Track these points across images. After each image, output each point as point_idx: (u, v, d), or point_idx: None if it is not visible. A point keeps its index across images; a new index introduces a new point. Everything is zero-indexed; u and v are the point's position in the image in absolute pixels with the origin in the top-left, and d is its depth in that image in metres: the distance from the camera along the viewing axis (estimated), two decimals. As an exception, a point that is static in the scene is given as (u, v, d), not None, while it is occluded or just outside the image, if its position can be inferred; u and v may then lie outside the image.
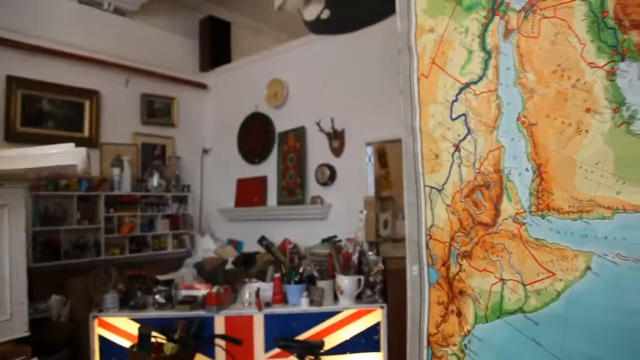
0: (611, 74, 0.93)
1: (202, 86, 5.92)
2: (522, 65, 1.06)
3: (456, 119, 1.16)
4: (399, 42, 1.33)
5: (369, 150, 4.30)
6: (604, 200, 0.92)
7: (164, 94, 5.49)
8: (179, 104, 5.63)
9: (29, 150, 1.71)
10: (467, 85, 1.14)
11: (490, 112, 1.10)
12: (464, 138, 1.15)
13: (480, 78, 1.12)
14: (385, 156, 4.41)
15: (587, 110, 0.96)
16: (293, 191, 4.78)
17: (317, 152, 4.65)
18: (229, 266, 4.51)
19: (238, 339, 2.62)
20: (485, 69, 1.12)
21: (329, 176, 4.45)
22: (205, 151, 5.84)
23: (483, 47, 1.12)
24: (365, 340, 2.78)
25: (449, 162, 1.18)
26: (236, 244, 5.22)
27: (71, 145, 2.01)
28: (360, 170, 4.29)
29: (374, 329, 2.79)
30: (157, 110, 5.42)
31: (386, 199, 4.33)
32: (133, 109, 5.21)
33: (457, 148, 1.16)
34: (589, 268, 0.93)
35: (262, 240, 3.37)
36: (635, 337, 0.86)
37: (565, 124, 0.99)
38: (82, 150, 1.98)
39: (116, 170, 4.75)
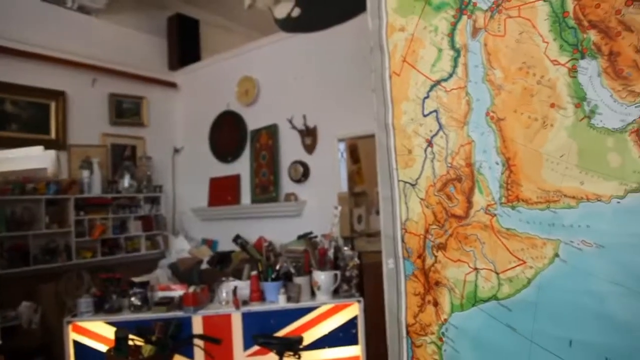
0: (572, 71, 0.98)
1: (172, 85, 5.85)
2: (490, 63, 1.10)
3: (428, 115, 1.20)
4: (370, 40, 1.35)
5: (341, 146, 4.34)
6: (569, 191, 0.97)
7: (133, 93, 5.40)
8: (149, 104, 5.55)
9: (-4, 154, 1.68)
10: (438, 82, 1.18)
11: (460, 108, 1.14)
12: (436, 133, 1.19)
13: (450, 75, 1.16)
14: (357, 151, 4.46)
15: (552, 105, 1.01)
16: (267, 189, 4.78)
17: (290, 149, 4.67)
18: (204, 266, 4.49)
19: (217, 338, 2.62)
20: (455, 66, 1.15)
21: (302, 173, 4.47)
22: (176, 151, 5.78)
23: (452, 46, 1.16)
24: (343, 334, 2.82)
25: (422, 157, 1.22)
26: (211, 244, 5.20)
27: (40, 148, 1.97)
28: (333, 167, 4.33)
29: (352, 322, 2.83)
30: (126, 110, 5.33)
31: (359, 194, 4.38)
32: (101, 110, 5.11)
33: (429, 143, 1.20)
34: (556, 255, 0.98)
35: (236, 238, 3.36)
36: (600, 317, 0.92)
37: (532, 119, 1.03)
38: (52, 152, 1.94)
39: (85, 173, 4.65)
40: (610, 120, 0.92)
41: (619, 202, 0.90)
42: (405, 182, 1.27)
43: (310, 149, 4.50)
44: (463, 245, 1.15)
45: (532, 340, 1.02)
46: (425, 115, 1.20)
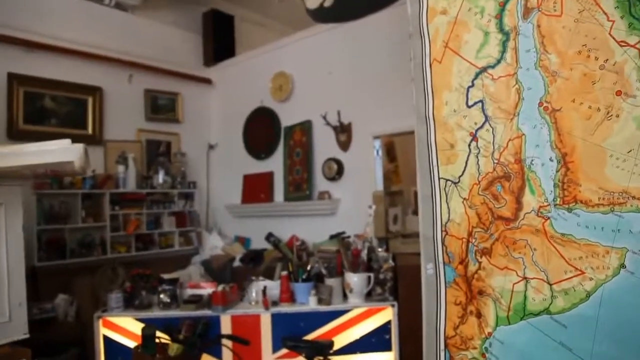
0: (645, 53, 0.84)
1: (207, 81, 5.85)
2: (544, 47, 0.98)
3: (472, 105, 1.08)
4: (409, 26, 1.24)
5: (377, 143, 4.21)
6: (638, 192, 0.84)
7: (168, 89, 5.44)
8: (184, 100, 5.57)
9: (23, 147, 1.65)
10: (484, 69, 1.06)
11: (509, 97, 1.02)
12: (482, 126, 1.06)
13: (498, 61, 1.04)
14: (394, 149, 4.33)
15: (618, 93, 0.88)
16: (300, 186, 4.71)
17: (324, 146, 4.58)
18: (236, 263, 4.46)
19: (245, 339, 2.56)
20: (504, 51, 1.03)
21: (336, 171, 4.38)
22: (211, 147, 5.79)
23: (500, 28, 1.04)
24: (376, 340, 2.71)
25: (465, 153, 1.10)
26: (244, 241, 5.17)
27: (67, 141, 1.94)
28: (368, 164, 4.21)
29: (385, 327, 2.72)
30: (161, 106, 5.37)
31: (395, 193, 4.25)
32: (137, 106, 5.16)
33: (474, 137, 1.08)
34: (622, 266, 0.85)
35: (269, 237, 3.31)
36: (676, 341, 0.78)
37: (593, 109, 0.90)
38: (79, 146, 1.91)
39: (121, 168, 4.70)
40: (690, 110, 0.78)
41: (701, 206, 0.76)
42: (447, 180, 1.15)
43: (344, 146, 4.39)
44: (511, 251, 1.03)
45: (591, 362, 0.90)
46: (469, 106, 1.09)
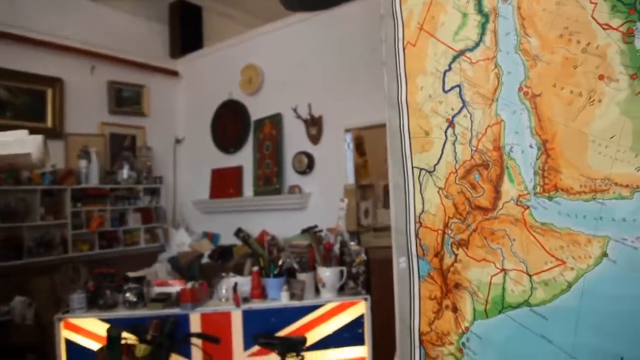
0: (628, 36, 0.82)
1: (173, 73, 5.69)
2: (524, 30, 0.94)
3: (449, 90, 1.04)
4: (380, 7, 1.19)
5: (348, 137, 4.17)
6: (621, 178, 0.81)
7: (133, 81, 5.25)
8: (149, 92, 5.40)
9: (-28, 139, 1.53)
10: (462, 52, 1.02)
11: (488, 82, 0.98)
12: (459, 112, 1.02)
13: (477, 44, 1.00)
14: (363, 144, 4.30)
15: (600, 77, 0.85)
16: (270, 181, 4.63)
17: (294, 139, 4.50)
18: (205, 260, 4.35)
19: (215, 337, 2.48)
20: (482, 34, 0.99)
21: (307, 164, 4.31)
22: (177, 141, 5.63)
23: (479, 10, 0.99)
24: (349, 334, 2.67)
25: (441, 140, 1.06)
26: (212, 237, 5.06)
27: (24, 132, 1.82)
28: (339, 158, 4.16)
29: (358, 322, 2.68)
30: (125, 99, 5.18)
31: (366, 187, 4.22)
32: (100, 98, 4.96)
33: (450, 123, 1.04)
34: (605, 254, 0.82)
35: (238, 232, 3.23)
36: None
37: (575, 94, 0.87)
38: (38, 137, 1.80)
39: (83, 162, 4.51)
40: (676, 93, 0.76)
41: (685, 192, 0.74)
42: (421, 169, 1.11)
43: (315, 139, 4.33)
44: (489, 242, 0.99)
45: (572, 355, 0.87)
46: (446, 91, 1.04)
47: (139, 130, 5.27)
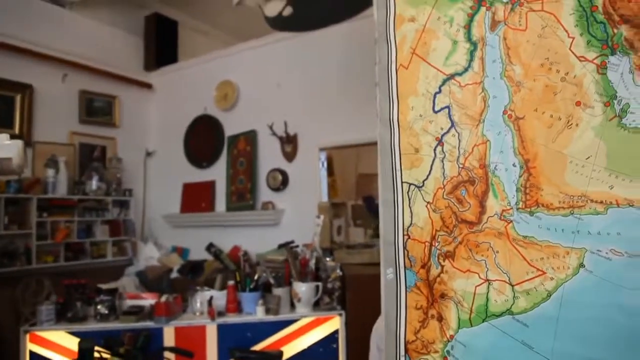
0: (602, 68, 0.90)
1: (147, 85, 5.66)
2: (509, 58, 1.02)
3: (439, 111, 1.11)
4: (375, 31, 1.26)
5: (323, 155, 4.24)
6: (596, 195, 0.89)
7: (105, 92, 5.19)
8: (121, 103, 5.34)
9: (-47, 142, 1.51)
10: (452, 76, 1.09)
11: (475, 104, 1.05)
12: (448, 131, 1.09)
13: (466, 69, 1.08)
14: (332, 164, 4.38)
15: (577, 103, 0.93)
16: (243, 196, 4.63)
17: (269, 156, 4.54)
18: (174, 275, 4.30)
19: (189, 351, 2.46)
20: (471, 60, 1.07)
21: (281, 181, 4.35)
22: (148, 154, 5.57)
23: (469, 38, 1.07)
24: (324, 349, 2.69)
25: (430, 157, 1.12)
26: (181, 252, 4.99)
27: (5, 136, 1.80)
28: (313, 176, 4.21)
29: (332, 337, 2.71)
30: (97, 109, 5.11)
31: (339, 205, 4.28)
32: (70, 107, 4.88)
33: (439, 142, 1.11)
34: (582, 265, 0.89)
35: (210, 247, 3.22)
36: (630, 335, 0.83)
37: (555, 118, 0.95)
38: (18, 142, 1.78)
39: (51, 172, 4.40)
40: (644, 120, 0.84)
41: (654, 208, 0.82)
42: (410, 184, 1.17)
43: (290, 156, 4.38)
44: (474, 254, 1.05)
45: (550, 359, 0.93)
46: (436, 112, 1.11)
47: (110, 141, 5.20)
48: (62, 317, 2.66)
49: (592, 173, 0.88)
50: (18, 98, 4.34)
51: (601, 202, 0.87)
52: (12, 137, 4.02)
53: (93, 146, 5.04)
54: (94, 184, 4.76)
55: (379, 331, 1.58)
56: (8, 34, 4.24)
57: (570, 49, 0.93)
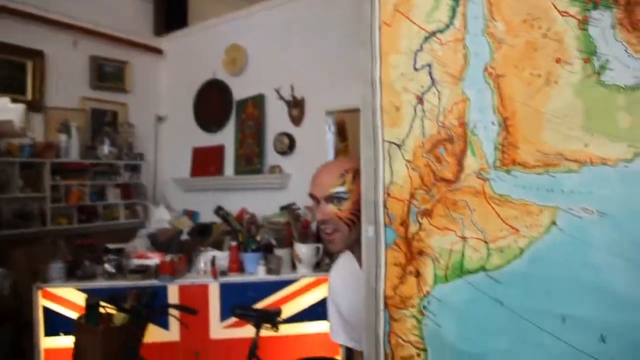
0: (583, 23, 0.88)
1: (157, 51, 5.65)
2: (492, 14, 1.00)
3: (420, 69, 1.09)
4: (360, -11, 1.24)
5: (330, 119, 4.22)
6: (571, 154, 0.88)
7: (116, 57, 5.21)
8: (132, 69, 5.36)
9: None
10: (433, 33, 1.07)
11: (456, 62, 1.04)
12: (428, 90, 1.08)
13: (447, 26, 1.05)
14: (345, 129, 4.36)
15: (557, 60, 0.91)
16: (251, 160, 4.66)
17: (276, 120, 4.54)
18: (184, 237, 4.38)
19: (193, 309, 2.54)
20: (453, 17, 1.05)
21: (288, 145, 4.36)
22: (159, 119, 5.62)
23: (451, -7, 1.05)
24: (323, 309, 2.74)
25: (410, 115, 1.12)
26: (192, 215, 5.09)
27: (6, 99, 1.84)
28: (320, 140, 4.22)
29: (332, 297, 2.76)
30: (108, 75, 5.14)
31: (346, 169, 4.26)
32: (82, 72, 4.92)
33: (420, 100, 1.10)
34: (553, 223, 0.89)
35: (218, 210, 3.27)
36: (598, 292, 0.84)
37: (534, 75, 0.94)
38: (19, 106, 1.82)
39: (63, 137, 4.49)
40: (622, 77, 0.82)
41: (626, 166, 0.81)
42: (391, 143, 1.17)
43: (297, 120, 4.38)
44: (451, 212, 1.06)
45: (521, 315, 0.94)
46: (417, 70, 1.10)
47: (121, 107, 5.24)
48: (72, 275, 2.77)
49: (569, 131, 0.87)
50: (30, 64, 4.38)
51: (576, 160, 0.86)
52: (24, 103, 4.10)
53: (104, 111, 5.09)
54: (105, 148, 4.83)
55: (333, 288, 1.62)
56: (18, 0, 4.25)
57: (552, 3, 0.90)
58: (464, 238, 1.03)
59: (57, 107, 4.60)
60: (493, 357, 0.97)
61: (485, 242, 0.99)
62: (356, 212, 1.36)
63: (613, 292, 0.80)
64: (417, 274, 1.13)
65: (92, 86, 4.97)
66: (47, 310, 2.71)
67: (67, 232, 4.37)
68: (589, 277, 0.83)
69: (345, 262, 1.55)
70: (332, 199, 1.37)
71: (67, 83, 4.73)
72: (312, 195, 1.42)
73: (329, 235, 1.39)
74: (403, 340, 1.18)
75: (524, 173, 0.93)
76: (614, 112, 0.82)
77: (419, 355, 1.14)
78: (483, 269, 1.00)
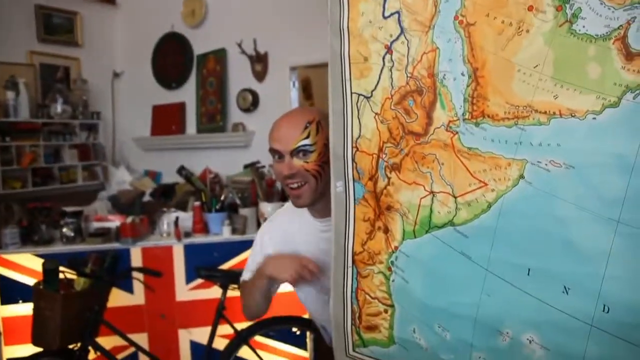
0: (557, -33, 0.84)
1: (110, 1, 5.31)
2: (463, -42, 0.95)
3: (389, 17, 1.04)
4: None
5: (294, 75, 4.12)
6: (540, 105, 0.86)
7: (64, 7, 4.86)
8: (83, 20, 5.04)
9: None
10: (402, -22, 1.02)
11: (426, 9, 0.99)
12: (397, 38, 1.04)
13: (417, -29, 1.00)
14: (310, 86, 4.27)
15: (530, 8, 0.88)
16: (213, 118, 4.54)
17: (239, 76, 4.41)
18: (146, 198, 4.28)
19: (157, 271, 2.49)
20: (423, -40, 0.99)
21: (251, 102, 4.25)
22: (116, 75, 5.35)
23: (420, -64, 0.99)
24: (290, 267, 2.76)
25: (379, 66, 1.07)
26: (154, 175, 4.96)
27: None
28: (284, 97, 4.12)
29: (299, 255, 2.76)
30: (56, 26, 4.81)
31: (311, 126, 4.21)
32: (27, 24, 4.58)
33: (388, 49, 1.05)
34: (521, 176, 0.88)
35: (181, 170, 3.18)
36: (563, 244, 0.84)
37: (506, 24, 0.90)
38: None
39: (10, 94, 4.22)
40: (593, 26, 0.80)
41: (594, 118, 0.80)
42: (360, 95, 1.13)
43: (260, 76, 4.25)
44: (419, 166, 1.04)
45: (487, 268, 0.95)
46: (385, 17, 1.05)
47: (73, 62, 4.96)
48: (28, 240, 2.66)
49: (539, 82, 0.85)
50: (-34, 13, 4.05)
51: (545, 112, 0.84)
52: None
53: (55, 67, 4.80)
54: (58, 106, 4.59)
55: (270, 233, 1.57)
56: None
57: (526, -54, 0.86)
58: (432, 193, 1.01)
59: (2, 62, 4.30)
60: (459, 310, 0.98)
61: (454, 197, 0.98)
62: (322, 164, 1.32)
63: (577, 245, 0.81)
64: (386, 230, 1.11)
65: (40, 39, 4.64)
66: (2, 278, 2.61)
67: (21, 195, 4.17)
68: (555, 230, 0.83)
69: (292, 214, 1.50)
70: (298, 152, 1.32)
71: (11, 35, 4.39)
72: (274, 150, 1.37)
73: (296, 190, 1.35)
74: (370, 297, 1.17)
75: (493, 125, 0.91)
76: (585, 63, 0.79)
77: (386, 311, 1.14)
78: (451, 223, 0.99)
